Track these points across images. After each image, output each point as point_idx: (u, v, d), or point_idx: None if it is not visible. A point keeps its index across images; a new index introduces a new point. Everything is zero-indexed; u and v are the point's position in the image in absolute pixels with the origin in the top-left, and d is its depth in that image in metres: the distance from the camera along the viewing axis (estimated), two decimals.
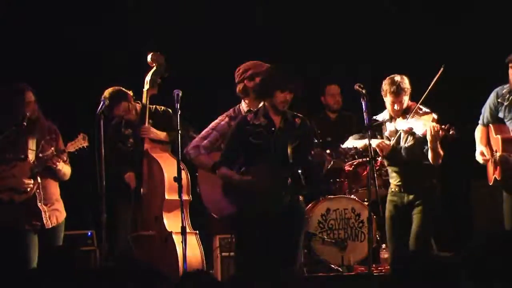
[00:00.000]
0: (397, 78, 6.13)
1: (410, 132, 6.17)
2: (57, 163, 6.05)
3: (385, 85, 6.17)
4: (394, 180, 6.29)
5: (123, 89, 6.73)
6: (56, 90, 7.85)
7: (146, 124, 6.64)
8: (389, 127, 6.29)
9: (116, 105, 6.66)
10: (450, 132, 5.95)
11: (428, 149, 6.08)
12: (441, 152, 6.08)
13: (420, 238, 6.12)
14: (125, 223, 6.67)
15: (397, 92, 6.11)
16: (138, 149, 6.64)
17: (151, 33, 8.23)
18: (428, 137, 6.00)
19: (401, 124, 6.17)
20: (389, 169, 6.37)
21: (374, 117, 6.33)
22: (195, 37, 8.55)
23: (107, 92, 6.63)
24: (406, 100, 6.17)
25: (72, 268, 4.44)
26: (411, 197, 6.18)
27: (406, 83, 6.15)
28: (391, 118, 6.26)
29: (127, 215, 6.64)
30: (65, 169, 6.17)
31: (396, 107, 6.14)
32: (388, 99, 6.17)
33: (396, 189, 6.24)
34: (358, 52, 8.59)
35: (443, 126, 5.96)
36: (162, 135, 6.68)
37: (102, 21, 8.42)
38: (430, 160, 6.10)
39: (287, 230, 5.58)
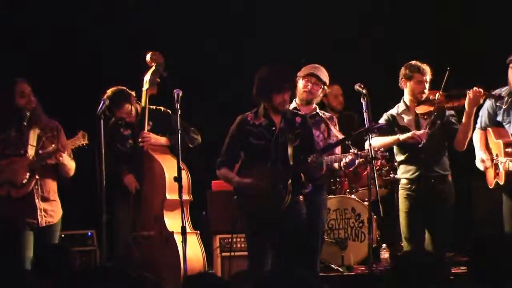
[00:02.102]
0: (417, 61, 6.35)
1: (434, 116, 6.24)
2: (60, 158, 6.01)
3: (407, 67, 6.33)
4: (410, 173, 6.27)
5: (126, 89, 6.64)
6: (56, 90, 7.83)
7: (146, 130, 6.57)
8: (407, 117, 6.33)
9: (119, 107, 6.52)
10: (493, 92, 6.20)
11: (455, 129, 6.23)
12: (471, 128, 6.25)
13: (440, 246, 6.17)
14: (124, 223, 6.64)
15: (423, 70, 6.27)
16: (137, 150, 6.59)
17: (151, 33, 8.22)
18: (467, 102, 6.14)
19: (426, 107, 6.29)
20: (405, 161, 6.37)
21: (389, 112, 6.44)
22: (195, 37, 8.54)
23: (110, 92, 6.47)
24: (428, 82, 6.32)
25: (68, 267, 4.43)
26: (427, 195, 6.20)
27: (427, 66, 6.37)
28: (407, 108, 6.34)
29: (126, 215, 6.61)
30: (70, 164, 6.15)
31: (424, 85, 6.23)
32: (413, 81, 6.28)
33: (413, 186, 6.22)
34: (358, 51, 8.59)
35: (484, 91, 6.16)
36: (162, 140, 6.61)
37: (102, 21, 8.42)
38: (456, 143, 6.27)
39: (287, 231, 5.59)
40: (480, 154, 6.44)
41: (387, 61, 7.97)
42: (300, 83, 6.23)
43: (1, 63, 7.89)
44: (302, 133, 5.68)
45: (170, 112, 6.63)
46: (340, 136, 6.19)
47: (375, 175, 5.88)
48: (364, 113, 5.97)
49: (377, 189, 5.84)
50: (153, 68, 6.64)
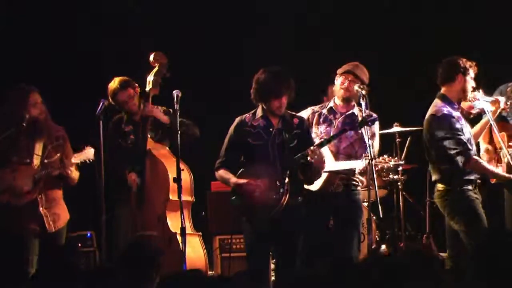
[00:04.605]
0: None
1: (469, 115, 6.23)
2: (70, 172, 6.05)
3: (464, 61, 6.07)
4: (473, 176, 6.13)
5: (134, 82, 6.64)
6: (56, 90, 7.83)
7: (150, 103, 6.54)
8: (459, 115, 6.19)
9: (122, 90, 6.51)
10: None
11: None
12: None
13: None
14: (125, 223, 6.63)
15: (475, 67, 6.12)
16: (139, 147, 6.57)
17: (151, 33, 8.23)
18: (495, 110, 6.14)
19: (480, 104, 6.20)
20: None
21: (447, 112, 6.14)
22: (195, 37, 8.55)
23: (117, 79, 6.54)
24: None
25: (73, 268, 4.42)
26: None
27: None
28: (455, 105, 6.15)
29: (127, 215, 6.60)
30: (74, 174, 6.17)
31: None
32: (468, 76, 6.08)
33: (474, 186, 6.08)
34: (359, 51, 8.59)
35: None
36: (164, 117, 6.57)
37: (102, 21, 8.42)
38: None
39: (286, 231, 5.58)
40: (484, 145, 6.43)
41: (388, 61, 7.99)
42: (338, 80, 6.11)
43: (1, 63, 7.90)
44: (300, 134, 5.69)
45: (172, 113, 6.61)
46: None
47: (375, 176, 5.86)
48: (364, 113, 5.95)
49: (377, 190, 5.82)
50: (156, 68, 6.59)
